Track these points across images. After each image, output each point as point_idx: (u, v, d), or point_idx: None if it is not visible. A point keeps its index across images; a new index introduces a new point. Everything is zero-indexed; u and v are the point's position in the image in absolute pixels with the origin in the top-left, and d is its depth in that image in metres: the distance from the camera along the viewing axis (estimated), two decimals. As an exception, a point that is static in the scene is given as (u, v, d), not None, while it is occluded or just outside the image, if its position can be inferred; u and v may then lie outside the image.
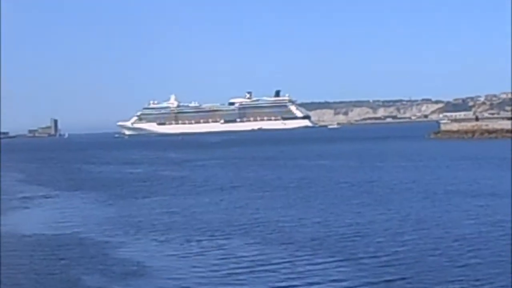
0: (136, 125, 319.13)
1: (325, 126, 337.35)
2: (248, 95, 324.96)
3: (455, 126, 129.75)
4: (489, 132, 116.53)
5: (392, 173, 53.65)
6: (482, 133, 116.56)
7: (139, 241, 27.51)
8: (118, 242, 27.46)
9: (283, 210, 34.47)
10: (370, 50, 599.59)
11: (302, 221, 30.58)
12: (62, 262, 23.75)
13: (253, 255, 23.52)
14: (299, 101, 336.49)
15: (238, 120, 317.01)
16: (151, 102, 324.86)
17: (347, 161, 70.82)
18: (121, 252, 25.40)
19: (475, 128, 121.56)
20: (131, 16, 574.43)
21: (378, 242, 24.89)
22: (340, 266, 21.32)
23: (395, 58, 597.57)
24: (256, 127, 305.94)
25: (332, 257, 22.66)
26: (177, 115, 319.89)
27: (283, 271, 21.14)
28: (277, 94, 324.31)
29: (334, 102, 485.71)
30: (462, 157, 69.30)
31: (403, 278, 19.57)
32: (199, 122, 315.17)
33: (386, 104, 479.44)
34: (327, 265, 21.57)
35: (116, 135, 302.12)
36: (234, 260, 22.99)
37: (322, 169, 61.36)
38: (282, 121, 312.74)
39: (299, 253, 23.51)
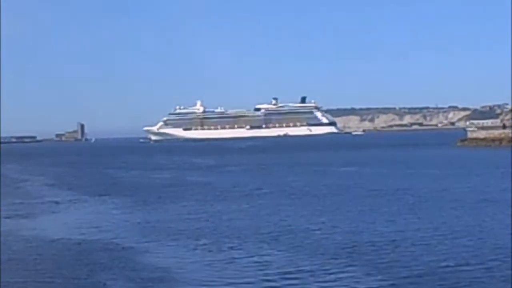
0: (162, 130, 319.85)
1: (350, 132, 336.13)
2: (273, 101, 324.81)
3: (482, 134, 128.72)
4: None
5: (422, 180, 52.94)
6: (509, 141, 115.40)
7: (167, 247, 27.19)
8: (146, 247, 27.15)
9: (313, 218, 33.95)
10: (396, 57, 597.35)
11: (333, 229, 30.07)
12: (89, 267, 23.47)
13: (282, 264, 23.02)
14: (325, 108, 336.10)
15: (263, 126, 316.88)
16: (177, 107, 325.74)
17: (376, 168, 70.19)
18: (148, 258, 25.08)
19: (503, 136, 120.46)
20: (157, 21, 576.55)
21: (411, 252, 24.31)
22: (373, 278, 20.75)
23: (421, 64, 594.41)
24: (281, 133, 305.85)
25: (364, 267, 22.10)
26: (203, 121, 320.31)
27: (313, 281, 20.66)
28: (303, 100, 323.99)
29: (360, 109, 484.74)
30: (492, 165, 68.42)
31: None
32: (224, 128, 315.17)
33: (412, 111, 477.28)
34: (359, 276, 21.00)
35: (141, 140, 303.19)
36: (263, 268, 22.53)
37: (351, 176, 60.81)
38: (307, 127, 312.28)
39: (329, 262, 23.00)
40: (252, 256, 24.54)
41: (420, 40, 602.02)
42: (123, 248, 27.25)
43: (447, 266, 21.80)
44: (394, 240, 26.70)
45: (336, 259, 23.54)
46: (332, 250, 25.12)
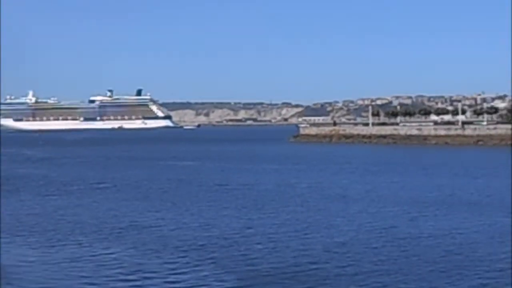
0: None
1: (182, 127, 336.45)
2: (109, 94, 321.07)
3: (313, 130, 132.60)
4: (346, 137, 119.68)
5: (264, 176, 53.24)
6: (339, 138, 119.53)
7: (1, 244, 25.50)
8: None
9: (157, 213, 33.16)
10: (231, 52, 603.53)
11: (180, 225, 29.41)
12: None
13: (127, 262, 22.07)
14: (160, 101, 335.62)
15: (98, 118, 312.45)
16: (8, 97, 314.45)
17: (217, 163, 70.23)
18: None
19: (333, 132, 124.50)
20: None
21: (260, 249, 23.94)
22: (222, 276, 20.16)
23: (255, 60, 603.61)
24: (116, 126, 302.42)
25: (213, 265, 21.52)
26: (35, 112, 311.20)
27: (160, 280, 19.88)
28: (139, 93, 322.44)
29: (196, 103, 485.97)
30: (328, 161, 70.14)
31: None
32: (57, 119, 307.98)
33: (247, 106, 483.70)
34: (208, 275, 20.39)
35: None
36: (106, 267, 21.52)
37: (192, 170, 60.35)
38: (143, 120, 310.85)
39: (177, 260, 22.32)
40: (95, 254, 23.44)
41: (254, 36, 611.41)
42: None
43: (297, 264, 21.50)
44: (242, 237, 26.35)
45: (183, 256, 22.87)
46: (180, 247, 24.44)
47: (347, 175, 53.44)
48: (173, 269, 21.08)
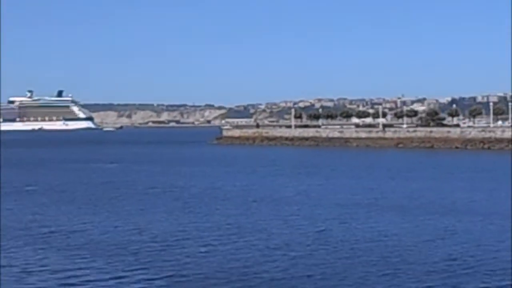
0: None
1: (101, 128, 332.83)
2: (29, 94, 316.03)
3: (236, 132, 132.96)
4: (269, 139, 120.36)
5: (193, 179, 52.73)
6: (262, 140, 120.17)
7: None
8: None
9: (87, 216, 32.47)
10: (153, 53, 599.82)
11: (111, 228, 28.84)
12: None
13: (57, 269, 21.35)
14: (82, 102, 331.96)
15: (17, 119, 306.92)
16: None
17: (143, 166, 69.56)
18: None
19: (256, 135, 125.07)
20: None
21: (196, 252, 23.61)
22: (151, 283, 19.61)
23: (178, 62, 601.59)
24: (36, 127, 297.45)
25: (142, 270, 20.98)
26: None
27: (93, 285, 19.34)
28: (60, 94, 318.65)
29: (118, 105, 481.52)
30: (255, 164, 70.09)
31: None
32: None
33: (170, 108, 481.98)
34: (142, 279, 19.95)
35: None
36: (31, 275, 20.71)
37: (119, 173, 59.65)
38: (64, 122, 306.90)
39: (109, 264, 21.79)
40: (20, 262, 22.50)
41: (187, 38, 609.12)
42: None
43: (230, 269, 21.15)
44: (174, 241, 25.85)
45: (113, 262, 22.27)
46: (109, 252, 23.83)
47: (275, 177, 53.48)
48: (102, 276, 20.51)
